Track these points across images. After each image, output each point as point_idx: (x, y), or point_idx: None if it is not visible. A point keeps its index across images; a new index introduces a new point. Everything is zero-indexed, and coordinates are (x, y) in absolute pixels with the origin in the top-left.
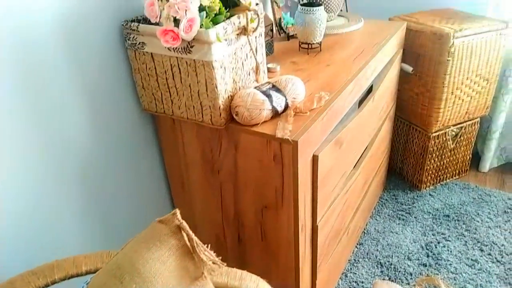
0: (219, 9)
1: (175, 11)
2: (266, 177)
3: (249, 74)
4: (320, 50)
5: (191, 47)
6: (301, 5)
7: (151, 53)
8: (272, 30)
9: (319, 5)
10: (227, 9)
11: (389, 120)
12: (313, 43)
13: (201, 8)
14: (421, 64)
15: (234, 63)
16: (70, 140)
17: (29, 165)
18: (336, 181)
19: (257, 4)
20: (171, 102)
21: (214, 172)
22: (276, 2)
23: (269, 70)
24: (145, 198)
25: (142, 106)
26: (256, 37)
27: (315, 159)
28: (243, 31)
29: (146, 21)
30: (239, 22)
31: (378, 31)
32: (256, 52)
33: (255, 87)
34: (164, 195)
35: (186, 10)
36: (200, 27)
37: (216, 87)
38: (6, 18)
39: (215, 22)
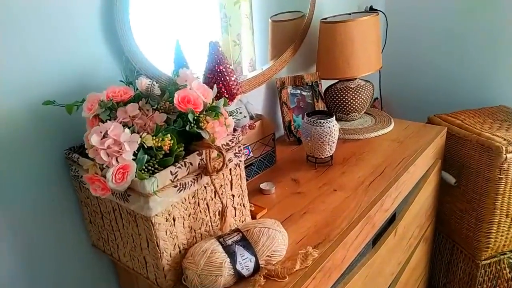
0: (172, 148)
1: (101, 158)
2: None
3: (216, 215)
4: (331, 164)
5: (128, 195)
6: (308, 115)
7: None
8: (274, 139)
9: (330, 115)
10: (188, 143)
11: (425, 242)
12: (322, 157)
13: (143, 150)
14: (465, 177)
15: (192, 208)
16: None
17: None
18: None
19: (226, 124)
20: (116, 246)
21: None
22: (286, 104)
23: (262, 191)
24: None
25: (91, 241)
26: (231, 169)
27: None
28: (204, 171)
29: None
30: (200, 161)
31: (411, 138)
32: (231, 187)
33: (219, 237)
34: None
35: (117, 157)
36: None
37: (158, 246)
38: None
39: (162, 165)
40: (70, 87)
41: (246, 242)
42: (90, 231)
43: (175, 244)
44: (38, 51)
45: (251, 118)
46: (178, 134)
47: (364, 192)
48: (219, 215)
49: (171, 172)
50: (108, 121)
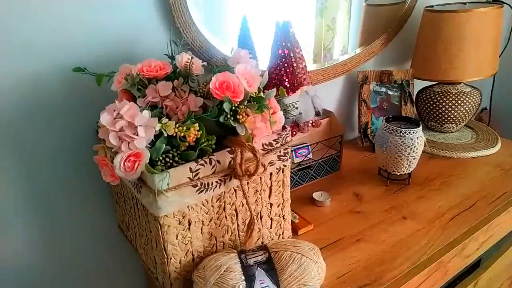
0: (198, 140)
1: (110, 141)
2: None
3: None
4: (408, 184)
5: (140, 187)
6: (387, 120)
7: None
8: (341, 143)
9: (416, 125)
10: (223, 137)
11: None
12: (396, 174)
13: (164, 139)
14: None
15: (216, 212)
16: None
17: None
18: None
19: (272, 120)
20: (135, 235)
21: None
22: (365, 102)
23: (314, 201)
24: None
25: (117, 222)
26: (271, 174)
27: None
28: (234, 173)
29: None
30: (231, 160)
31: None
32: (270, 195)
33: (241, 253)
34: None
35: (128, 142)
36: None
37: (165, 250)
38: None
39: (185, 158)
40: (110, 54)
41: (270, 266)
42: (116, 211)
43: (188, 250)
44: (77, 12)
45: (317, 114)
46: (218, 126)
47: (442, 228)
48: (247, 224)
49: (190, 169)
50: (140, 98)
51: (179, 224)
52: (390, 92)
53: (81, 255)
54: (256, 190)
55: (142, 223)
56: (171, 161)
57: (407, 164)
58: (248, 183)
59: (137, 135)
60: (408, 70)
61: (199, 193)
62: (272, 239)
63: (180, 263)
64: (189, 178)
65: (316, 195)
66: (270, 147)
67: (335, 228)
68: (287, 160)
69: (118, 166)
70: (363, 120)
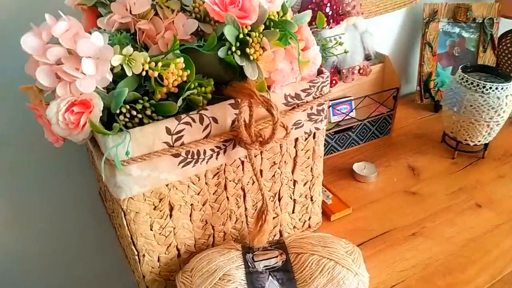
0: (185, 85)
1: (43, 78)
2: None
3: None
4: (483, 157)
5: (93, 155)
6: (464, 69)
7: None
8: (396, 98)
9: (505, 78)
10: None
11: None
12: (469, 143)
13: (129, 80)
14: None
15: (213, 192)
16: None
17: None
18: None
19: (301, 60)
20: (112, 210)
21: None
22: (430, 46)
23: (354, 175)
24: None
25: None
26: (297, 140)
27: None
28: (238, 138)
29: None
30: (234, 119)
31: None
32: (294, 169)
33: (247, 250)
34: None
35: (69, 83)
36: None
37: (134, 245)
38: None
39: (162, 112)
40: None
41: (288, 276)
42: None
43: (170, 244)
44: None
45: (367, 58)
46: (223, 66)
47: None
48: (257, 210)
49: (167, 129)
50: (104, 17)
51: (154, 209)
52: (465, 34)
53: (61, 227)
54: (274, 163)
55: (112, 200)
56: (140, 116)
57: (486, 131)
58: (261, 153)
59: (82, 72)
60: (493, 5)
61: (183, 165)
62: (293, 228)
63: (158, 260)
64: (167, 143)
65: (357, 167)
66: (296, 101)
67: (382, 214)
68: (321, 121)
69: (54, 119)
70: (425, 70)
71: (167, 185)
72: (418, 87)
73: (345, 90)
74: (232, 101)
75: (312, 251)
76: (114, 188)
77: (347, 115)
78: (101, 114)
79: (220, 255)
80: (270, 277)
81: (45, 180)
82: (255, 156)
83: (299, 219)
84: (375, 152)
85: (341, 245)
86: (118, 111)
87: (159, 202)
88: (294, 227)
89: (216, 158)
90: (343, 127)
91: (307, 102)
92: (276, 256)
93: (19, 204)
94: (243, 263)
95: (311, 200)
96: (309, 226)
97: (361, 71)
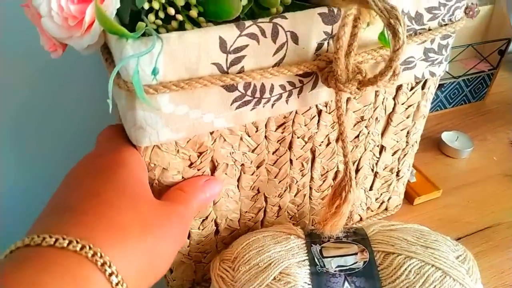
0: None
1: None
2: None
3: (328, 183)
4: None
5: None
6: None
7: None
8: (503, 51)
9: None
10: None
11: None
12: None
13: None
14: None
15: (270, 151)
16: None
17: None
18: None
19: None
20: None
21: None
22: None
23: (441, 147)
24: None
25: None
26: (399, 89)
27: None
28: (327, 74)
29: None
30: (323, 41)
31: None
32: (385, 131)
33: (313, 240)
34: None
35: None
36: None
37: None
38: None
39: (214, 15)
40: None
41: (372, 286)
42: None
43: (207, 217)
44: None
45: None
46: None
47: None
48: (335, 183)
49: (221, 42)
50: None
51: (189, 166)
52: None
53: None
54: (362, 119)
55: None
56: (180, 17)
57: None
58: (347, 101)
59: None
60: None
61: (238, 106)
62: (367, 209)
63: (189, 237)
64: (218, 66)
65: (447, 137)
66: (415, 25)
67: (481, 203)
68: (440, 63)
69: (45, 9)
70: None
71: (211, 134)
72: None
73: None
74: (325, 9)
75: (410, 252)
76: (132, 130)
77: None
78: (118, 6)
79: (276, 243)
80: (346, 283)
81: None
82: (344, 102)
83: (376, 199)
84: (464, 120)
85: (449, 247)
86: (146, 6)
87: (198, 157)
88: (368, 208)
89: (286, 101)
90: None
91: (429, 29)
92: (355, 253)
93: None
94: (307, 257)
95: (397, 175)
96: (386, 209)
97: (467, 11)
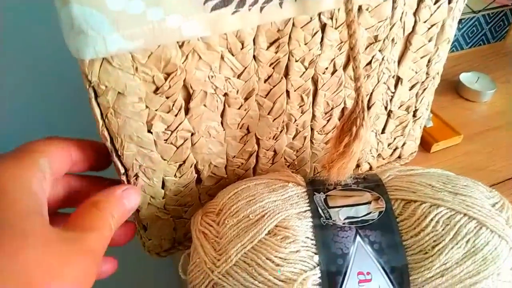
0: None
1: None
2: None
3: (335, 116)
4: None
5: None
6: None
7: None
8: None
9: None
10: None
11: None
12: None
13: None
14: None
15: (261, 78)
16: None
17: None
18: None
19: None
20: None
21: None
22: None
23: (460, 90)
24: None
25: None
26: (420, 2)
27: None
28: None
29: None
30: None
31: None
32: (403, 57)
33: (315, 187)
34: None
35: None
36: None
37: (118, 156)
38: None
39: None
40: None
41: (390, 240)
42: None
43: (185, 161)
44: None
45: None
46: None
47: None
48: (344, 116)
49: None
50: None
51: (155, 92)
52: None
53: None
54: (375, 39)
55: None
56: None
57: None
58: (365, 10)
59: None
60: None
61: (215, 7)
62: (378, 157)
63: (163, 186)
64: None
65: (466, 79)
66: None
67: (508, 147)
68: None
69: None
70: None
71: (181, 47)
72: None
73: None
74: None
75: (436, 200)
76: (71, 36)
77: None
78: None
79: (270, 191)
80: (358, 237)
81: None
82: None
83: (389, 145)
84: (484, 62)
85: (482, 193)
86: None
87: (165, 79)
88: (379, 155)
89: (280, 4)
90: None
91: None
92: (369, 202)
93: None
94: (309, 208)
95: (414, 115)
96: (399, 157)
97: None
